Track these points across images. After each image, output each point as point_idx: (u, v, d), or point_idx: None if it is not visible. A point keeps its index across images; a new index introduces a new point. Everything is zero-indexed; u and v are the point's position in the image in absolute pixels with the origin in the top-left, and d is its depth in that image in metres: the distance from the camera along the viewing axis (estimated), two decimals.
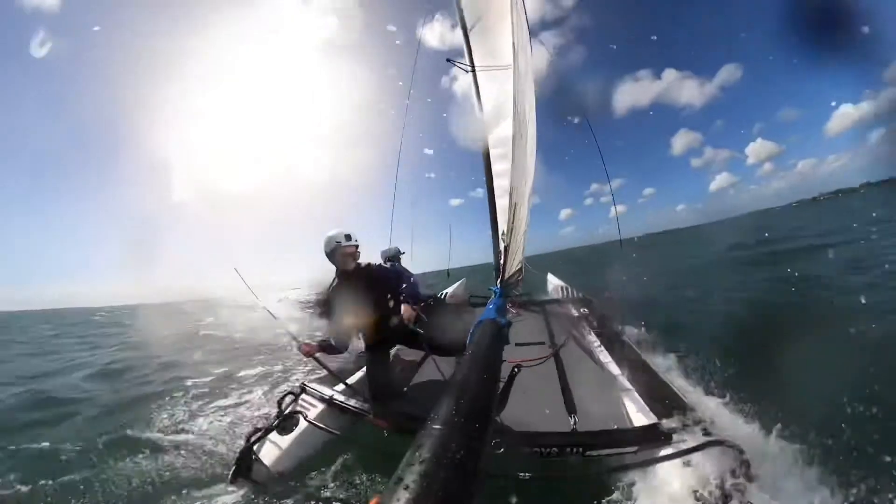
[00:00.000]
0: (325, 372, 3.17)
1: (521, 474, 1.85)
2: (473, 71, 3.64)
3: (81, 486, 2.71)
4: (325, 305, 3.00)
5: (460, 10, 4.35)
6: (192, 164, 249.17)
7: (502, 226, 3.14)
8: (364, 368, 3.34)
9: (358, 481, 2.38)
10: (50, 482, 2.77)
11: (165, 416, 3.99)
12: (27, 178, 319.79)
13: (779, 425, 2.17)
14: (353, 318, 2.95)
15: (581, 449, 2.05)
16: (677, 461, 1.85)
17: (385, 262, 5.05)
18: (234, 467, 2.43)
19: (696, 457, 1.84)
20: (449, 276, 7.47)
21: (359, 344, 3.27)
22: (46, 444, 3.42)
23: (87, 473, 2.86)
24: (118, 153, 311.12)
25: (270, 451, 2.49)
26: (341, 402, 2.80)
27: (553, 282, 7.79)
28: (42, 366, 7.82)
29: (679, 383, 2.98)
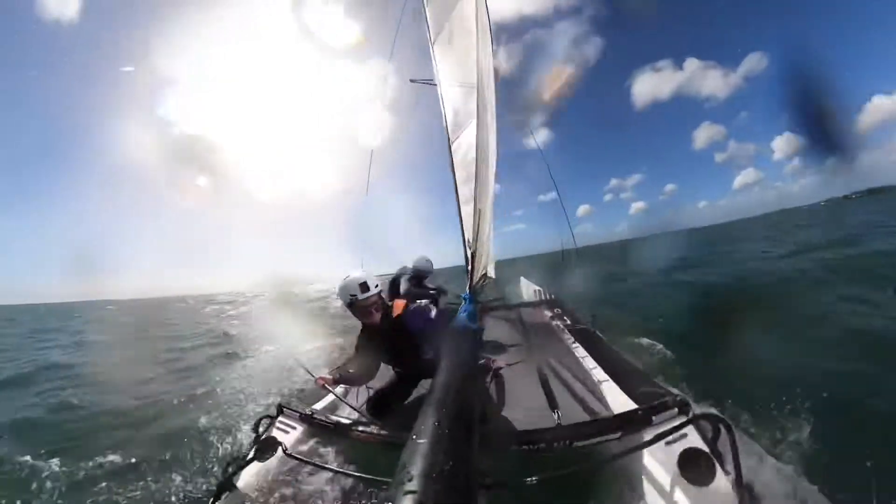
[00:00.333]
0: (306, 388, 3.02)
1: (514, 476, 1.77)
2: (436, 84, 3.71)
3: None
4: (355, 355, 2.75)
5: (426, 21, 4.43)
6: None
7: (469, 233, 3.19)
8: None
9: None
10: None
11: None
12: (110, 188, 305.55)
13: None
14: (381, 364, 2.77)
15: (568, 441, 2.06)
16: (661, 442, 1.85)
17: (411, 281, 4.45)
18: (212, 500, 2.25)
19: (680, 434, 1.85)
20: None
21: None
22: None
23: None
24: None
25: (250, 482, 2.31)
26: (321, 420, 2.63)
27: (526, 285, 7.94)
28: None
29: (652, 369, 3.13)
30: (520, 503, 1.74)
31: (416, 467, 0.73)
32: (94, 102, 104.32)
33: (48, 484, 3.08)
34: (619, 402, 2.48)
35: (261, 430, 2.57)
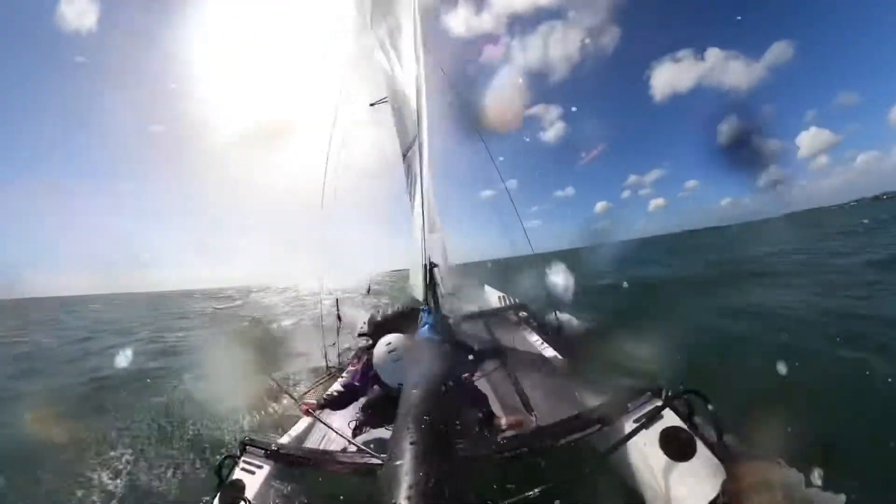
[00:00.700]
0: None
1: (499, 486, 1.72)
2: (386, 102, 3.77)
3: None
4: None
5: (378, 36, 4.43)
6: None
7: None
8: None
9: None
10: None
11: None
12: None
13: None
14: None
15: (550, 442, 2.02)
16: (643, 426, 1.90)
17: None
18: None
19: (657, 417, 1.92)
20: (369, 292, 7.26)
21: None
22: None
23: None
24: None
25: None
26: (293, 454, 2.40)
27: (490, 293, 8.00)
28: None
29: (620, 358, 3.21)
30: None
31: (398, 491, 0.69)
32: (108, 105, 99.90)
33: None
34: (593, 394, 2.51)
35: (224, 472, 2.26)
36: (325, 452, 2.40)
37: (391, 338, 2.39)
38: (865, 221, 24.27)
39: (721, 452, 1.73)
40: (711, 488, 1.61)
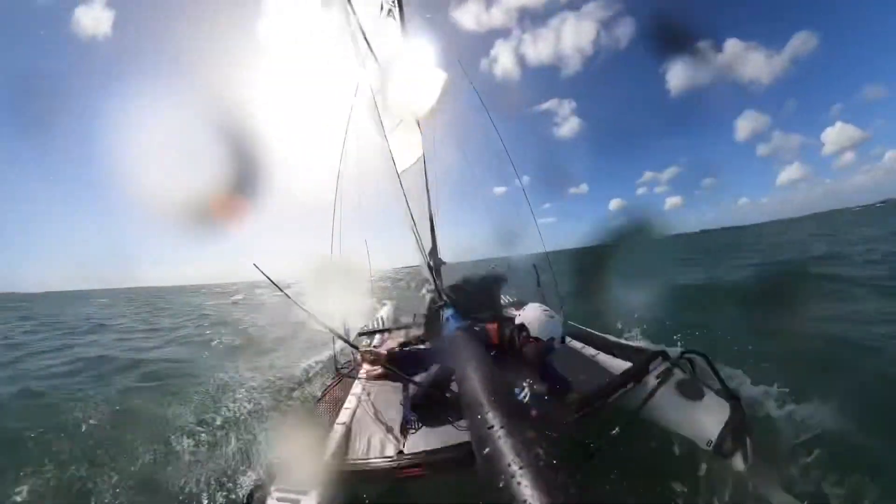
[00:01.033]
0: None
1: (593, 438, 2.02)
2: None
3: None
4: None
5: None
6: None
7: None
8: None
9: None
10: None
11: None
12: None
13: None
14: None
15: (600, 403, 2.27)
16: (659, 382, 2.37)
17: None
18: None
19: (669, 373, 2.43)
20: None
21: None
22: None
23: None
24: None
25: None
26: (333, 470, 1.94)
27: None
28: None
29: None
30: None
31: (519, 458, 0.75)
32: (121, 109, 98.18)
33: None
34: (615, 365, 2.84)
35: None
36: (374, 464, 2.02)
37: (535, 304, 2.50)
38: None
39: (723, 394, 2.28)
40: (720, 419, 2.11)
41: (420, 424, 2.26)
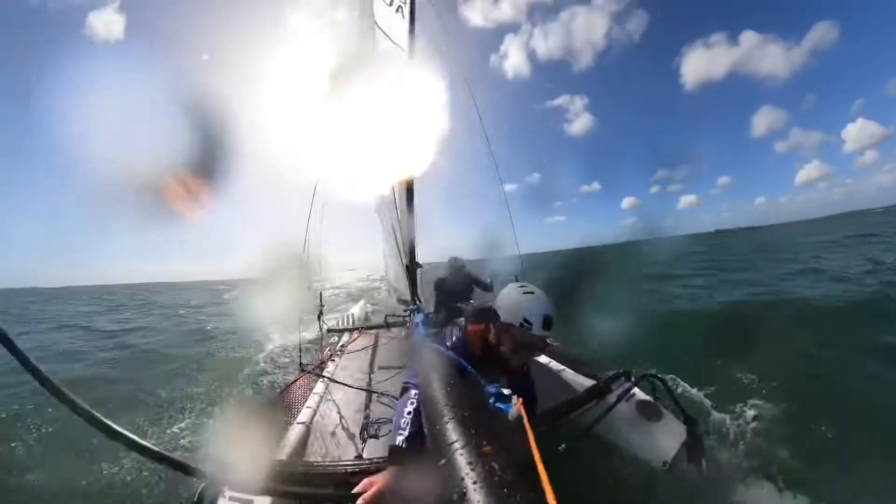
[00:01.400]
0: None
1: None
2: None
3: None
4: None
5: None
6: None
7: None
8: None
9: None
10: None
11: None
12: None
13: None
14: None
15: (560, 420, 2.25)
16: (621, 401, 2.41)
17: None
18: None
19: (630, 393, 2.48)
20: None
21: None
22: None
23: None
24: None
25: None
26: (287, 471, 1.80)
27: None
28: None
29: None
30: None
31: (473, 472, 0.76)
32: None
33: None
34: (579, 382, 2.89)
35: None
36: (331, 467, 1.88)
37: (512, 284, 2.01)
38: None
39: (681, 416, 2.35)
40: (677, 441, 2.21)
41: (380, 429, 2.22)
